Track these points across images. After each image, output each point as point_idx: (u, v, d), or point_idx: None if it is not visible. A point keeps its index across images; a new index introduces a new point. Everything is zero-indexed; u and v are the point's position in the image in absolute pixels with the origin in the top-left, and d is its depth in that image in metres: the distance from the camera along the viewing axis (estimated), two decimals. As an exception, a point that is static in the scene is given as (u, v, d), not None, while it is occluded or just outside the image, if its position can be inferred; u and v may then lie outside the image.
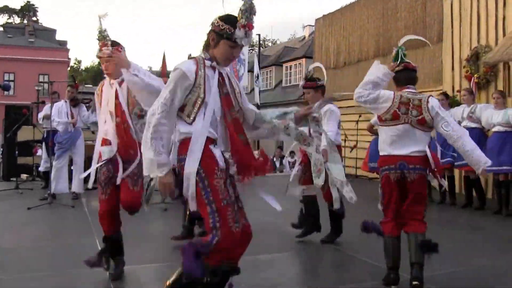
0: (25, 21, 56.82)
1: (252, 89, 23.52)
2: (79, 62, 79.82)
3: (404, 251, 4.42)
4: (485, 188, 9.41)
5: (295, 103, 23.36)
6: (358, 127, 13.29)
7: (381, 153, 4.54)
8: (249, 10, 3.07)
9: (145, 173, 3.01)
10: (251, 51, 37.13)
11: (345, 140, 13.20)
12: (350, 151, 13.22)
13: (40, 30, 50.55)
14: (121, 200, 4.39)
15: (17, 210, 8.20)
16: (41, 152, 11.06)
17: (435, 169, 4.43)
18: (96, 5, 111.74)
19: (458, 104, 9.30)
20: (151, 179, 3.17)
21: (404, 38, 4.69)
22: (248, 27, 3.06)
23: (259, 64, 19.15)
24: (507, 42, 9.12)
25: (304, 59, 26.93)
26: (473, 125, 8.46)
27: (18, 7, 65.15)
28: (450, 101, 9.35)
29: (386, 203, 4.48)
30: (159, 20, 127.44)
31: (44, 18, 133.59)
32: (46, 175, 10.20)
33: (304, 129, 3.65)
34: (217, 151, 3.03)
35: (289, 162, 17.75)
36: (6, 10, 64.56)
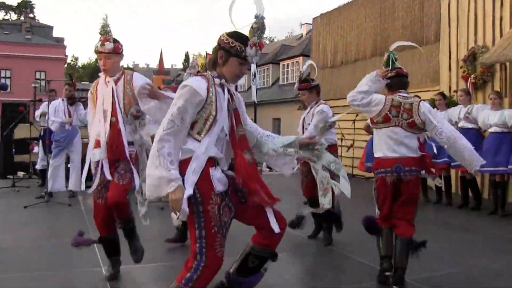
0: (22, 18, 56.73)
1: (249, 87, 23.53)
2: (76, 59, 79.93)
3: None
4: (481, 189, 9.44)
5: (292, 101, 23.38)
6: (355, 126, 13.31)
7: (376, 155, 4.64)
8: (261, 29, 3.06)
9: (153, 192, 2.89)
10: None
11: (341, 139, 13.24)
12: (347, 150, 13.25)
13: (37, 27, 50.44)
14: (107, 197, 4.30)
15: (14, 208, 8.19)
16: (38, 149, 11.05)
17: (431, 169, 4.60)
18: (93, 2, 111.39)
19: (455, 104, 9.33)
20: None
21: (395, 43, 4.78)
22: (260, 45, 3.04)
23: (256, 64, 19.10)
24: (504, 43, 9.14)
25: (301, 57, 26.88)
26: (470, 125, 8.49)
27: (15, 3, 65.01)
28: (447, 101, 9.37)
29: (381, 204, 4.59)
30: (156, 17, 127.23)
31: (41, 15, 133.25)
32: (42, 173, 10.19)
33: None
34: (217, 173, 2.96)
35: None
36: (2, 6, 64.38)
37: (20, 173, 12.53)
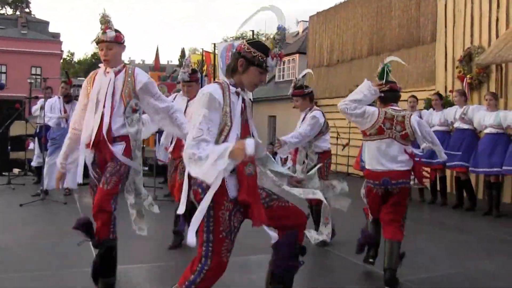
0: (18, 13, 56.45)
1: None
2: (72, 54, 79.64)
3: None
4: (476, 189, 9.47)
5: (288, 99, 23.29)
6: (350, 125, 13.33)
7: (366, 166, 4.89)
8: (282, 40, 3.09)
9: (212, 175, 2.71)
10: (244, 46, 36.97)
11: (337, 138, 13.27)
12: (342, 149, 13.27)
13: (33, 22, 50.23)
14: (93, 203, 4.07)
15: (10, 206, 8.18)
16: (33, 146, 11.03)
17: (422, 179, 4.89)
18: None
19: (451, 104, 9.34)
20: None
21: (389, 58, 4.94)
22: (280, 57, 3.07)
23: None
24: (500, 44, 9.17)
25: (297, 55, 26.83)
26: (466, 126, 8.53)
27: (10, -2, 64.73)
28: (443, 102, 9.40)
29: (370, 204, 4.90)
30: (153, 13, 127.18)
31: (37, 10, 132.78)
32: (38, 170, 10.17)
33: None
34: (232, 179, 2.95)
35: (280, 158, 17.78)
36: (-2, 1, 64.13)
37: (16, 170, 12.51)
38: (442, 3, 11.45)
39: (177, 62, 74.23)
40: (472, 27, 10.56)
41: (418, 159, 4.76)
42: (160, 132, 7.70)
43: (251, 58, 3.02)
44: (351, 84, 11.94)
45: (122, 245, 4.66)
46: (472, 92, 10.31)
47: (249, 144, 2.66)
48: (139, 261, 5.27)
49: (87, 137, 4.14)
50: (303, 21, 35.48)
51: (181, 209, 3.02)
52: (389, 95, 4.77)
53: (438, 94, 9.62)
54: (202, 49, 21.85)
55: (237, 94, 3.07)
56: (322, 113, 6.06)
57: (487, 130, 8.14)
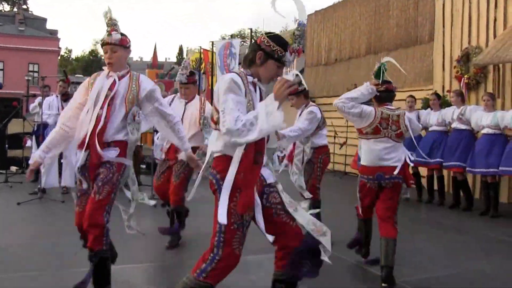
0: (15, 9, 56.32)
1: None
2: (70, 51, 79.43)
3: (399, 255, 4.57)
4: (472, 189, 9.48)
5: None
6: (348, 124, 13.31)
7: (362, 162, 5.06)
8: (302, 37, 3.14)
9: (279, 120, 2.81)
10: (242, 43, 37.01)
11: (334, 137, 13.28)
12: (340, 148, 13.29)
13: (31, 18, 50.11)
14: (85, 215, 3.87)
15: (8, 205, 8.18)
16: (31, 143, 11.02)
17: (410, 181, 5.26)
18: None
19: (449, 104, 9.35)
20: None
21: (386, 58, 5.05)
22: (298, 52, 3.12)
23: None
24: (498, 45, 9.19)
25: (295, 53, 26.90)
26: (463, 127, 8.54)
27: (8, -6, 64.54)
28: (441, 102, 9.42)
29: (362, 198, 5.09)
30: (153, 12, 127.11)
31: (35, 7, 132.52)
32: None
33: None
34: None
35: (278, 157, 17.78)
36: (-5, -3, 63.95)
37: (13, 168, 12.51)
38: (440, 3, 11.45)
39: (175, 60, 74.12)
40: (470, 27, 10.57)
41: (412, 159, 4.99)
42: (157, 130, 7.70)
43: (270, 52, 3.08)
44: (349, 83, 11.98)
45: (119, 245, 4.67)
46: (469, 92, 10.32)
47: (287, 76, 2.85)
48: (137, 261, 5.28)
49: (80, 138, 4.01)
50: (301, 19, 35.40)
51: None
52: (384, 95, 4.95)
53: (436, 94, 9.65)
54: (200, 47, 21.86)
55: (254, 84, 3.12)
56: (319, 108, 6.11)
57: (484, 131, 8.16)
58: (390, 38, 13.37)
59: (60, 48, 49.03)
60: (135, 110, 4.12)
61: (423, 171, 9.60)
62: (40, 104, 9.39)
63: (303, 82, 3.18)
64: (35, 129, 10.17)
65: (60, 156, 9.38)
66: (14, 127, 11.82)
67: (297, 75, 2.94)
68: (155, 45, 42.79)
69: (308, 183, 6.00)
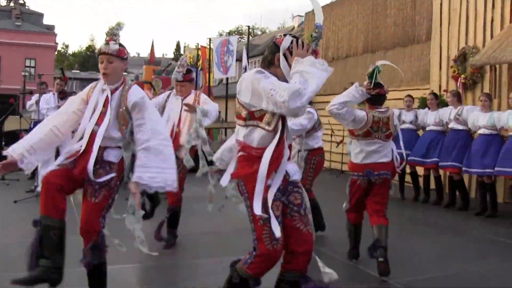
0: (12, 4, 56.09)
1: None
2: (67, 46, 79.30)
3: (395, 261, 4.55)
4: (468, 189, 9.50)
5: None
6: (345, 122, 13.31)
7: (353, 160, 5.28)
8: (319, 38, 3.26)
9: (320, 75, 2.98)
10: (239, 40, 37.02)
11: (331, 135, 13.30)
12: (337, 146, 13.31)
13: (27, 13, 49.91)
14: (80, 221, 3.72)
15: (5, 204, 8.18)
16: (27, 139, 10.99)
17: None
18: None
19: (446, 104, 9.37)
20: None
21: (380, 61, 5.21)
22: (316, 53, 3.19)
23: (247, 55, 19.10)
24: (494, 45, 9.21)
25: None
26: (460, 127, 8.57)
27: (4, -11, 64.28)
28: (438, 101, 9.44)
29: (351, 197, 5.31)
30: (152, 11, 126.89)
31: (31, 2, 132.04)
32: (32, 166, 10.11)
33: None
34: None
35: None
36: (-8, -8, 63.65)
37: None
38: (437, 2, 11.46)
39: (172, 56, 73.99)
40: (467, 27, 10.58)
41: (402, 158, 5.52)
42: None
43: (289, 53, 3.16)
44: (346, 82, 11.96)
45: (115, 244, 4.67)
46: (466, 92, 10.34)
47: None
48: (134, 261, 5.27)
49: (72, 150, 3.84)
50: (298, 15, 35.45)
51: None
52: (375, 98, 5.14)
53: (433, 93, 9.66)
54: (198, 44, 21.85)
55: None
56: (315, 109, 6.14)
57: (481, 131, 8.17)
58: (387, 36, 13.37)
59: (57, 43, 48.97)
60: (131, 125, 3.84)
61: (420, 170, 9.62)
62: (37, 102, 9.39)
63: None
64: (32, 126, 10.16)
65: (57, 154, 9.45)
66: (11, 124, 11.82)
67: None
68: (153, 42, 42.47)
69: None
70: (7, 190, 9.33)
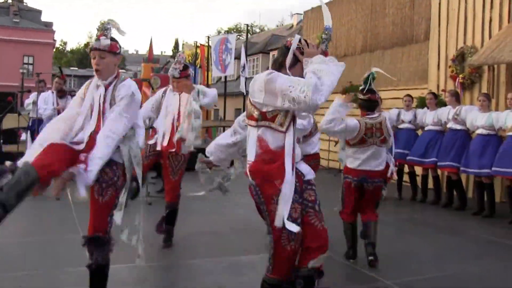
0: (10, 1, 55.93)
1: (238, 77, 23.47)
2: (65, 43, 79.13)
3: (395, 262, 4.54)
4: (466, 188, 9.52)
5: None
6: (343, 122, 13.31)
7: (348, 165, 5.42)
8: (328, 40, 3.31)
9: (335, 69, 3.15)
10: (238, 37, 36.98)
11: (329, 135, 13.28)
12: (335, 145, 13.29)
13: (25, 10, 49.78)
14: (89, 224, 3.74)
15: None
16: (25, 137, 11.00)
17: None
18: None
19: (444, 104, 9.39)
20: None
21: (375, 68, 5.39)
22: (326, 54, 3.22)
23: (246, 53, 19.09)
24: (493, 45, 9.22)
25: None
26: (459, 127, 8.58)
27: (2, -14, 64.04)
28: (437, 101, 9.45)
29: (346, 200, 5.46)
30: (152, 10, 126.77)
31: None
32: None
33: None
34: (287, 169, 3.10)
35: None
36: (-10, -12, 63.44)
37: (8, 163, 12.44)
38: (436, 2, 11.47)
39: (170, 53, 73.89)
40: (465, 27, 10.60)
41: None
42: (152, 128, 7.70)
43: (299, 55, 3.22)
44: (345, 81, 11.97)
45: (115, 245, 4.67)
46: (464, 92, 10.36)
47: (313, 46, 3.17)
48: (131, 261, 5.27)
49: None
50: (297, 13, 35.43)
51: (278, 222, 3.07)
52: (367, 104, 5.33)
53: (432, 93, 9.67)
54: (196, 41, 21.82)
55: None
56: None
57: (479, 131, 8.19)
58: (386, 36, 13.38)
59: (55, 40, 48.87)
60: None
61: (418, 170, 9.64)
62: (35, 102, 9.38)
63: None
64: (30, 124, 10.16)
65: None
66: (9, 122, 11.79)
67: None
68: (151, 39, 42.40)
69: None
70: (5, 188, 9.29)
